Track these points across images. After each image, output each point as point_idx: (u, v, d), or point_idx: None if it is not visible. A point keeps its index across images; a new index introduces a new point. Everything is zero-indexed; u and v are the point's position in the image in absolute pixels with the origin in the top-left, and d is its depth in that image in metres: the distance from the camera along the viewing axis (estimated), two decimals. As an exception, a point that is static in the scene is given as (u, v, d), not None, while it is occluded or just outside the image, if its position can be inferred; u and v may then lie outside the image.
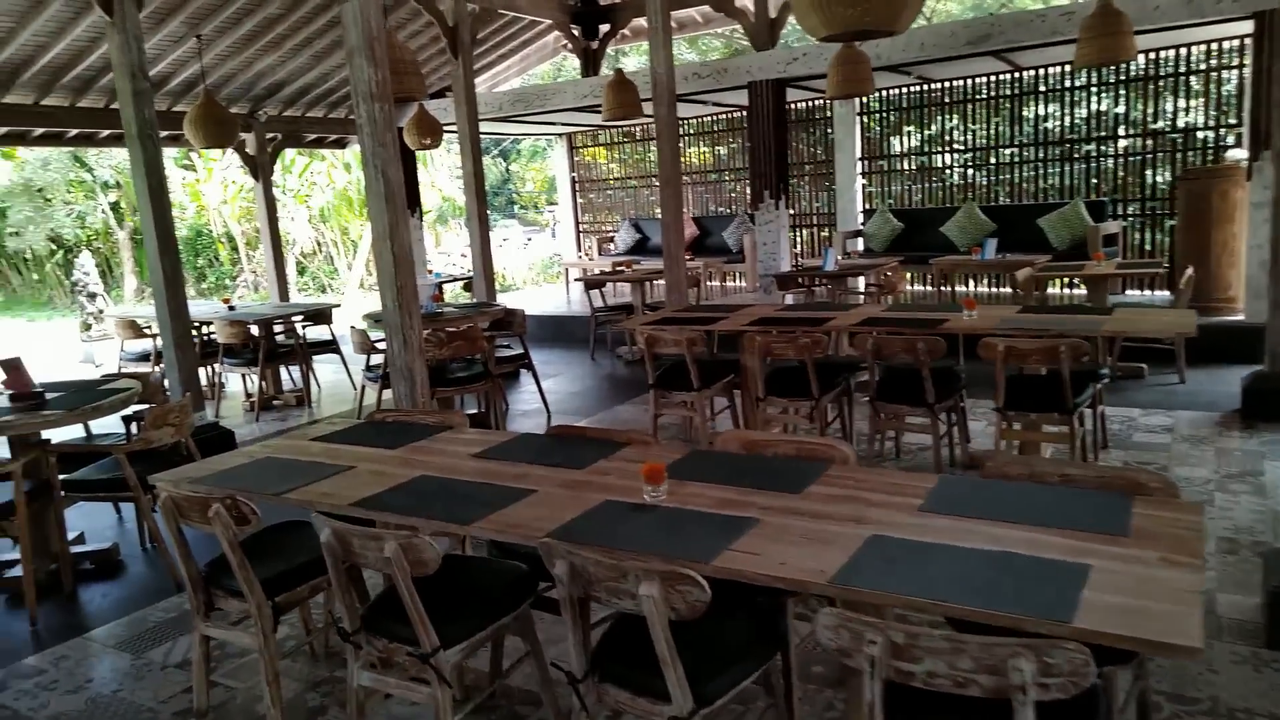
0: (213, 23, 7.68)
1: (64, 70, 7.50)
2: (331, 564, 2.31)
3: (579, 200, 14.35)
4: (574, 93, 9.59)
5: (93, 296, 11.08)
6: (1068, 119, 9.70)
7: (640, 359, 8.98)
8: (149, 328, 8.05)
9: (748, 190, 12.83)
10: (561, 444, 2.90)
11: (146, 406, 4.45)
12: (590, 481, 2.50)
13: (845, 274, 7.80)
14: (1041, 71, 9.56)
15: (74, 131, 8.69)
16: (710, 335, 5.18)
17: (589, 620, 2.14)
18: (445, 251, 20.88)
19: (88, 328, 11.15)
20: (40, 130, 8.43)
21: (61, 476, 4.04)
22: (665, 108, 6.72)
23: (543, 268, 17.40)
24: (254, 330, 7.33)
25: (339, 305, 8.43)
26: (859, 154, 10.73)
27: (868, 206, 10.90)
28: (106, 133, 8.88)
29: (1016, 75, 9.73)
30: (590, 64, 10.65)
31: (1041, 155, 9.90)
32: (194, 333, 6.94)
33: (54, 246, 20.53)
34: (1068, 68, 9.30)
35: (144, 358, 8.00)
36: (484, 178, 8.37)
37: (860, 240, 10.39)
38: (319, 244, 18.43)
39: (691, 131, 12.88)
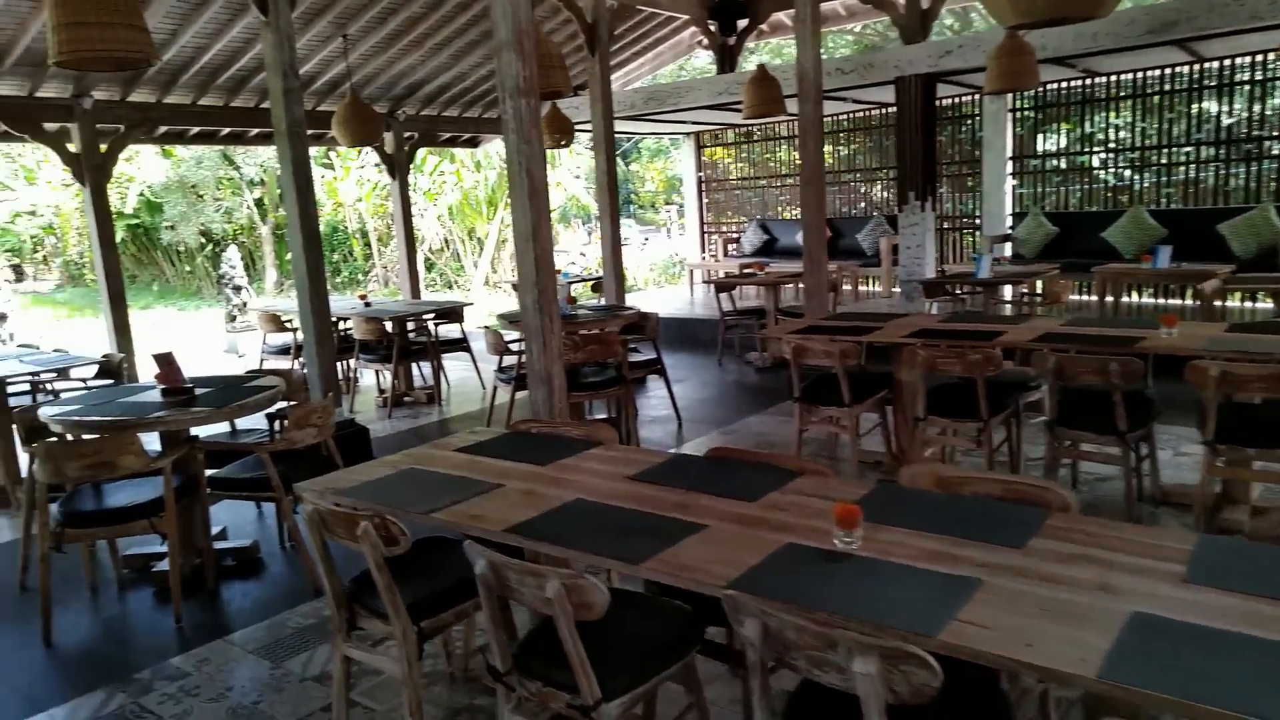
0: (358, 22, 7.79)
1: (219, 71, 7.75)
2: (486, 598, 2.12)
3: (704, 200, 14.07)
4: (709, 90, 9.32)
5: (238, 289, 11.56)
6: (1254, 113, 8.78)
7: (771, 366, 8.69)
8: (289, 321, 8.25)
9: (880, 191, 12.27)
10: (724, 469, 2.63)
11: (289, 405, 4.44)
12: (765, 518, 2.22)
13: (1001, 282, 7.24)
14: (1228, 62, 8.67)
15: (226, 130, 9.02)
16: (864, 346, 4.81)
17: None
18: (563, 249, 21.01)
19: (232, 319, 11.62)
20: (196, 129, 8.77)
21: (207, 473, 4.06)
22: (811, 104, 6.37)
23: (663, 268, 17.21)
24: (388, 326, 7.38)
25: (471, 304, 8.43)
26: (1009, 153, 10.05)
27: (1017, 209, 10.20)
28: (255, 131, 9.17)
29: (1196, 67, 8.88)
30: (726, 61, 10.36)
31: (1221, 154, 9.00)
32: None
33: (203, 240, 21.73)
34: (1259, 58, 8.41)
35: (284, 351, 8.20)
36: (617, 176, 8.21)
37: (1008, 245, 9.72)
38: (446, 241, 18.82)
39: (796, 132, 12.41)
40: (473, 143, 11.48)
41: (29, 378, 5.31)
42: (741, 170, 13.67)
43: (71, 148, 7.40)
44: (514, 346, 6.15)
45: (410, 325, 7.82)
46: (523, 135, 4.52)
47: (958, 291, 7.83)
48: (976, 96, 10.28)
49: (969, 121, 10.82)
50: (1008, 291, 8.61)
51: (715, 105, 9.57)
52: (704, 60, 20.83)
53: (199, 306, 20.04)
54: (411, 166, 18.03)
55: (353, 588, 2.66)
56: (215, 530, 4.37)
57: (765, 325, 8.68)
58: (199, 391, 4.08)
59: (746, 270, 11.35)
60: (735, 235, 13.39)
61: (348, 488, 2.69)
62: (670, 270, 17.19)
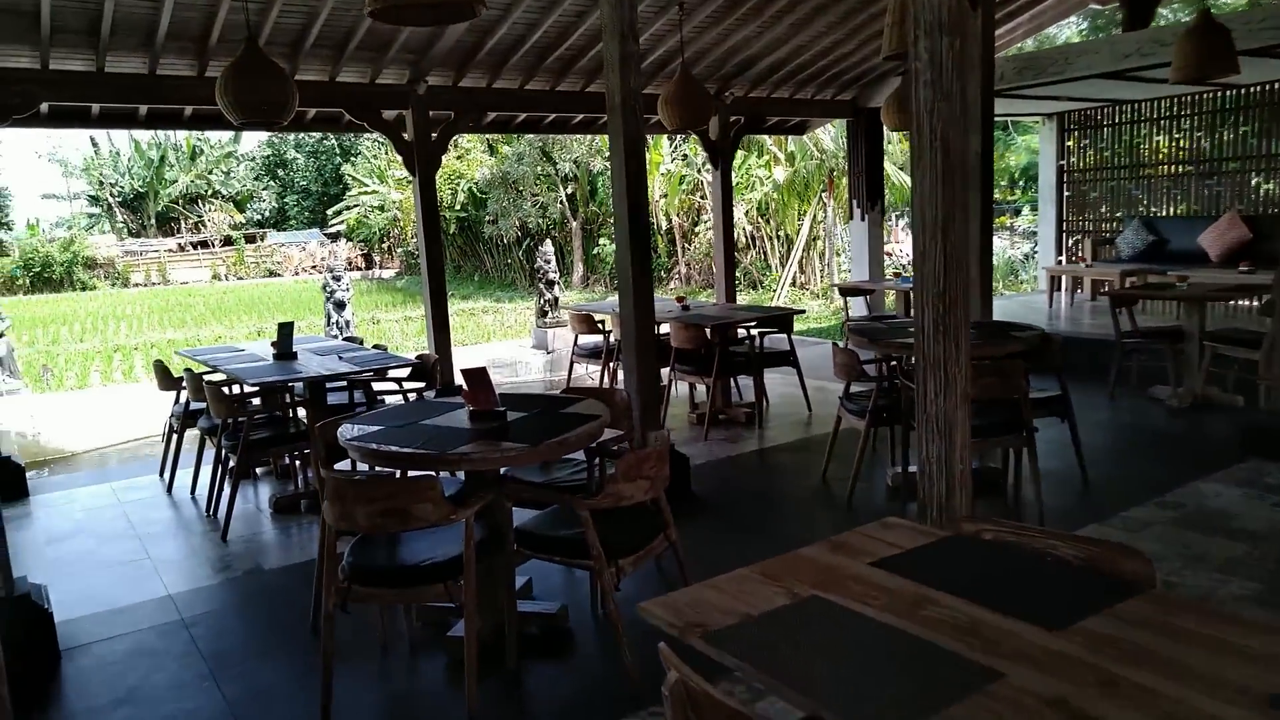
0: (694, -10, 6.91)
1: (548, 51, 7.24)
2: None
3: (1065, 193, 11.84)
4: (1111, 52, 7.41)
5: (550, 284, 11.36)
6: None
7: (1190, 406, 6.62)
8: (602, 323, 7.61)
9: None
10: None
11: (614, 442, 3.54)
12: None
13: None
14: None
15: (551, 116, 8.60)
16: None
17: None
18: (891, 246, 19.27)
19: (543, 314, 11.45)
20: (523, 116, 8.43)
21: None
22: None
23: (1003, 272, 14.94)
24: (708, 334, 6.43)
25: (804, 312, 7.28)
26: None
27: None
28: (579, 117, 8.68)
29: None
30: (1137, 17, 8.29)
31: None
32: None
33: (519, 234, 22.65)
34: None
35: (594, 354, 7.56)
36: (993, 163, 6.64)
37: None
38: (753, 239, 17.90)
39: (1187, 111, 9.89)
40: (799, 129, 10.33)
41: (347, 378, 4.92)
42: (1103, 158, 11.28)
43: (406, 136, 7.23)
44: (869, 368, 4.90)
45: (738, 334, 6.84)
46: (940, 88, 3.25)
47: None
48: None
49: None
50: None
51: (1118, 73, 7.63)
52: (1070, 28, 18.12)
53: (512, 298, 20.87)
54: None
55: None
56: (520, 581, 3.58)
57: (1182, 351, 6.68)
58: (510, 416, 3.28)
59: (1129, 278, 9.21)
60: (1108, 235, 11.08)
61: (725, 626, 1.61)
62: (1010, 275, 14.90)
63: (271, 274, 35.44)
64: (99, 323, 20.46)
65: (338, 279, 10.21)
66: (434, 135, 7.32)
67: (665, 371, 7.10)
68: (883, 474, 5.29)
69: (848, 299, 8.88)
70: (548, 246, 11.73)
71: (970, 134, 6.60)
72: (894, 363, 4.97)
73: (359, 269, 34.37)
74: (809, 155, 15.77)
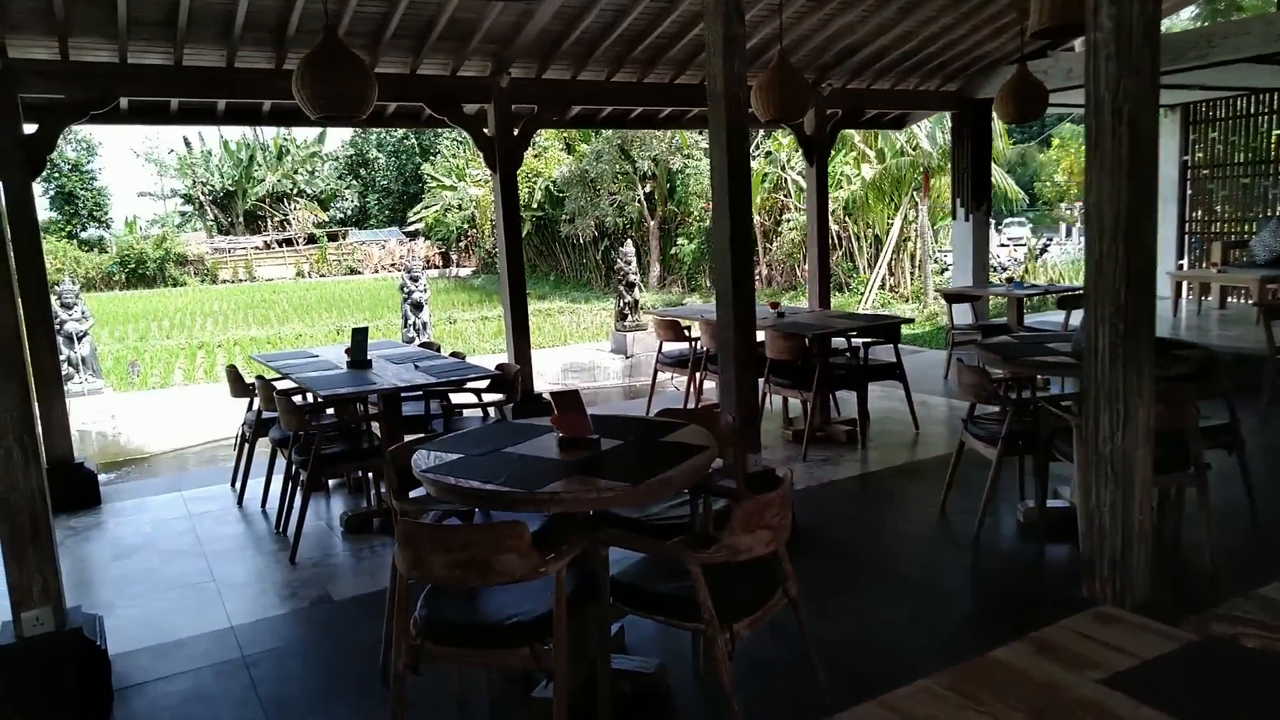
0: (795, -28, 6.41)
1: (638, 40, 6.83)
2: None
3: (1189, 193, 10.90)
4: (1264, 33, 6.62)
5: (631, 286, 10.95)
6: None
7: None
8: (689, 328, 7.16)
9: None
10: None
11: (719, 469, 3.08)
12: None
13: None
14: None
15: (638, 110, 8.18)
16: None
17: None
18: (946, 250, 18.34)
19: (623, 317, 11.05)
20: (608, 109, 8.03)
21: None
22: None
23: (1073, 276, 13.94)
24: (808, 344, 5.91)
25: (911, 320, 6.70)
26: None
27: None
28: (667, 110, 8.24)
29: None
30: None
31: None
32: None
33: (596, 233, 22.36)
34: None
35: (680, 363, 7.11)
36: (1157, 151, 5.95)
37: None
38: (839, 239, 17.20)
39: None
40: (899, 122, 9.69)
41: (424, 389, 4.58)
42: (1234, 153, 10.31)
43: (487, 131, 6.91)
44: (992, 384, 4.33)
45: (838, 342, 6.31)
46: (1127, 62, 2.73)
47: None
48: None
49: None
50: None
51: (1268, 56, 6.84)
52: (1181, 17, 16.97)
53: (589, 299, 20.58)
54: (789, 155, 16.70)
55: None
56: (613, 628, 3.15)
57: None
58: (603, 445, 2.86)
59: (1269, 284, 8.40)
60: (1236, 239, 10.15)
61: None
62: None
63: (352, 271, 36.02)
64: (187, 319, 20.91)
65: (415, 279, 9.99)
66: (516, 131, 6.97)
67: (759, 383, 6.62)
68: (1010, 507, 4.70)
69: (952, 306, 8.24)
70: (628, 247, 11.33)
71: (1141, 119, 5.95)
72: (1029, 388, 4.40)
73: (436, 267, 34.69)
74: (900, 152, 15.03)
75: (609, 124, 8.60)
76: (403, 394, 4.58)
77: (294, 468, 4.66)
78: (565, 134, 23.03)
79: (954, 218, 9.52)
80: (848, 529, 4.67)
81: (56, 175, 35.21)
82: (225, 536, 4.81)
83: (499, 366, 5.14)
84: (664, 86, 7.57)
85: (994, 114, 7.09)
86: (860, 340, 6.29)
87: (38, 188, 6.10)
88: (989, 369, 4.40)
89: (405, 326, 10.04)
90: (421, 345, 6.04)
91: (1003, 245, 20.75)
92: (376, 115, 7.25)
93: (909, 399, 6.43)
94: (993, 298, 8.80)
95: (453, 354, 5.59)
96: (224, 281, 33.37)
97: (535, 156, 23.67)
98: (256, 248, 36.87)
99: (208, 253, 35.06)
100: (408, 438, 3.60)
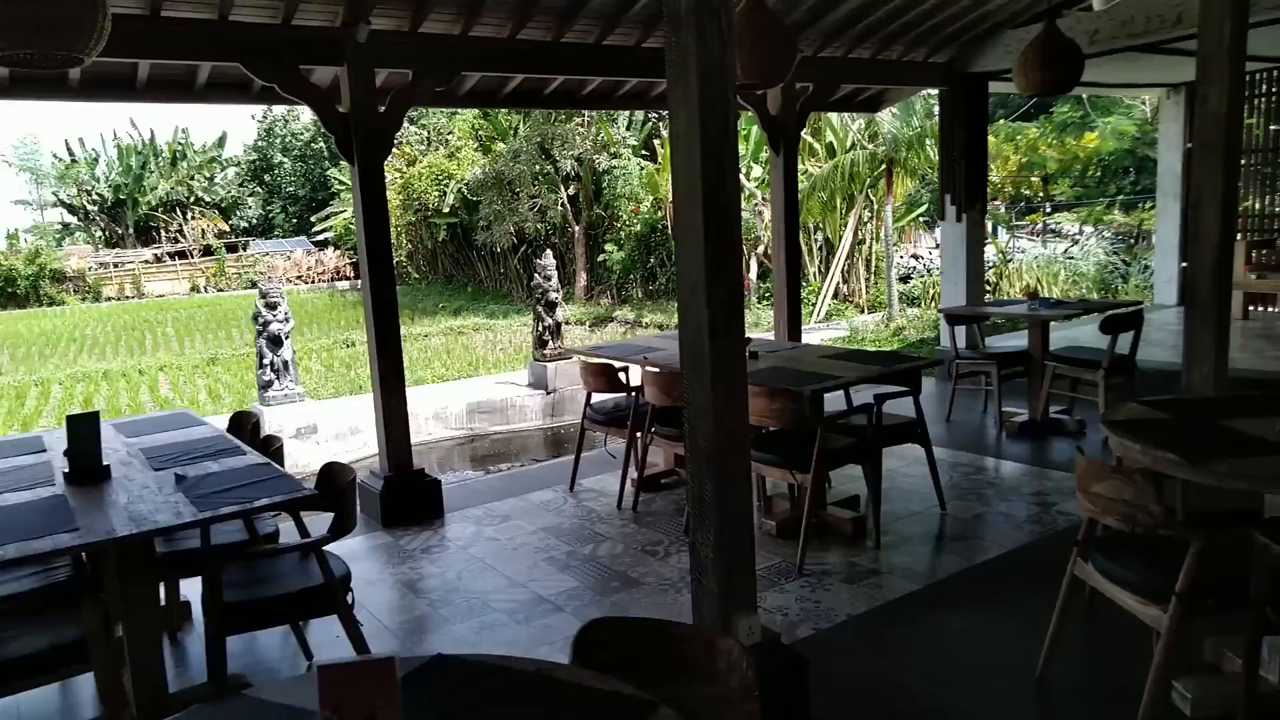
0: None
1: None
2: None
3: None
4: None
5: (551, 306, 9.00)
6: None
7: None
8: (626, 370, 5.29)
9: None
10: None
11: None
12: None
13: None
14: None
15: (557, 81, 6.26)
16: None
17: None
18: (918, 254, 16.94)
19: (542, 344, 9.10)
20: (515, 81, 6.10)
21: None
22: None
23: (1094, 281, 12.51)
24: (801, 408, 4.09)
25: (939, 362, 4.96)
26: None
27: None
28: (595, 82, 6.37)
29: None
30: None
31: None
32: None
33: (515, 240, 20.32)
34: None
35: (615, 420, 5.22)
36: (1240, 131, 4.34)
37: None
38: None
39: None
40: (874, 103, 7.97)
41: (163, 532, 2.59)
42: (1253, 138, 8.93)
43: (340, 107, 4.92)
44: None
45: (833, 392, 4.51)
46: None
47: None
48: None
49: None
50: None
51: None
52: None
53: (508, 313, 18.54)
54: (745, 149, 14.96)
55: None
56: None
57: None
58: None
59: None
60: (1265, 237, 8.77)
61: None
62: (1100, 285, 12.49)
63: (254, 285, 33.26)
64: (47, 347, 18.16)
65: (273, 306, 7.78)
66: (382, 107, 5.01)
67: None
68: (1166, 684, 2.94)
69: (954, 328, 6.54)
70: (548, 259, 9.33)
71: (1210, 88, 4.30)
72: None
73: (347, 279, 32.15)
74: (855, 145, 13.43)
75: (516, 102, 6.65)
76: (125, 542, 2.57)
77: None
78: (480, 128, 20.93)
79: (942, 218, 7.87)
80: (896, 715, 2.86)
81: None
82: None
83: (324, 470, 3.18)
84: (589, 49, 5.68)
85: (1016, 84, 5.42)
86: (872, 392, 4.50)
87: None
88: (1131, 463, 2.62)
89: (261, 367, 7.88)
90: (234, 419, 4.01)
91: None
92: (182, 85, 5.20)
93: (933, 468, 4.68)
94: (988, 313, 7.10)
95: (266, 440, 3.60)
96: (109, 299, 30.32)
97: (448, 156, 21.53)
98: (146, 261, 33.74)
99: (90, 268, 31.84)
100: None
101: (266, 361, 7.65)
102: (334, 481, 3.14)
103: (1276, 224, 8.78)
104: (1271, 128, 8.95)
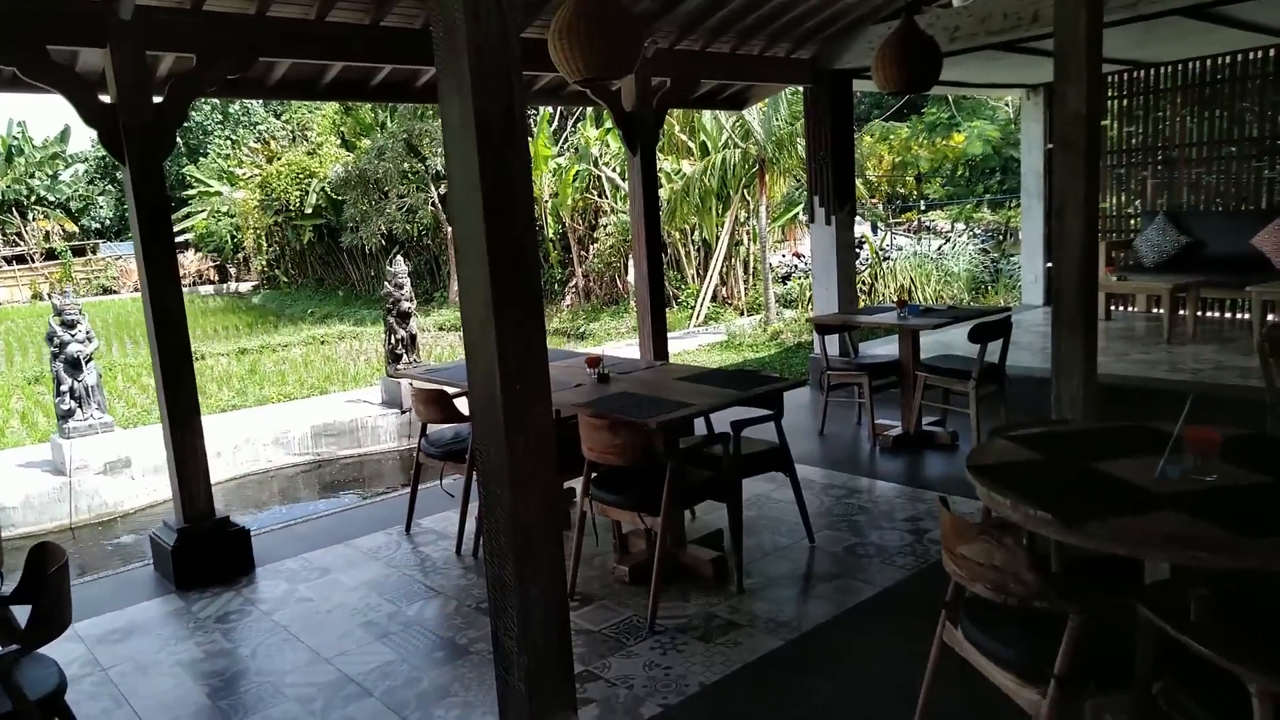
0: None
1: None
2: None
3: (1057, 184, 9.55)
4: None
5: (405, 317, 8.27)
6: None
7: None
8: (462, 394, 4.69)
9: None
10: None
11: None
12: None
13: None
14: None
15: (387, 70, 5.60)
16: None
17: None
18: (800, 253, 16.86)
19: (396, 359, 8.37)
20: (284, 66, 5.39)
21: None
22: None
23: (966, 282, 12.59)
24: (656, 443, 3.61)
25: (804, 383, 4.57)
26: None
27: None
28: (385, 70, 5.71)
29: None
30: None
31: None
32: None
33: (384, 242, 19.32)
34: None
35: (452, 452, 4.63)
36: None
37: None
38: (662, 246, 15.18)
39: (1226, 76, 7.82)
40: (738, 101, 7.61)
41: None
42: (1110, 139, 9.04)
43: (105, 98, 4.15)
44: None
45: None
46: None
47: None
48: None
49: None
50: None
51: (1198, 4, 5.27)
52: None
53: (376, 320, 17.53)
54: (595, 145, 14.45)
55: None
56: None
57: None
58: None
59: (1182, 293, 7.02)
60: (1120, 238, 8.87)
61: None
62: (972, 288, 12.59)
63: (106, 291, 30.94)
64: None
65: (71, 325, 6.77)
66: (160, 99, 4.26)
67: (574, 488, 4.32)
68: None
69: (825, 336, 6.22)
70: (399, 264, 8.57)
71: (1068, 87, 4.05)
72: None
73: (211, 282, 30.17)
74: (726, 144, 13.15)
75: (340, 93, 5.89)
76: None
77: None
78: (340, 124, 19.79)
79: (810, 221, 7.58)
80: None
81: None
82: None
83: (33, 552, 2.49)
84: (415, 34, 5.05)
85: (875, 81, 5.11)
86: (728, 417, 4.06)
87: None
88: (999, 524, 2.24)
89: (59, 395, 6.86)
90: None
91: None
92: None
93: (799, 499, 4.29)
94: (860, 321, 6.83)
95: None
96: (-68, 309, 27.47)
97: (309, 154, 20.29)
98: (-22, 266, 30.81)
99: (-91, 275, 28.85)
100: None
101: (65, 388, 6.66)
102: (41, 568, 2.46)
103: (1134, 224, 8.91)
104: (1125, 130, 9.07)
